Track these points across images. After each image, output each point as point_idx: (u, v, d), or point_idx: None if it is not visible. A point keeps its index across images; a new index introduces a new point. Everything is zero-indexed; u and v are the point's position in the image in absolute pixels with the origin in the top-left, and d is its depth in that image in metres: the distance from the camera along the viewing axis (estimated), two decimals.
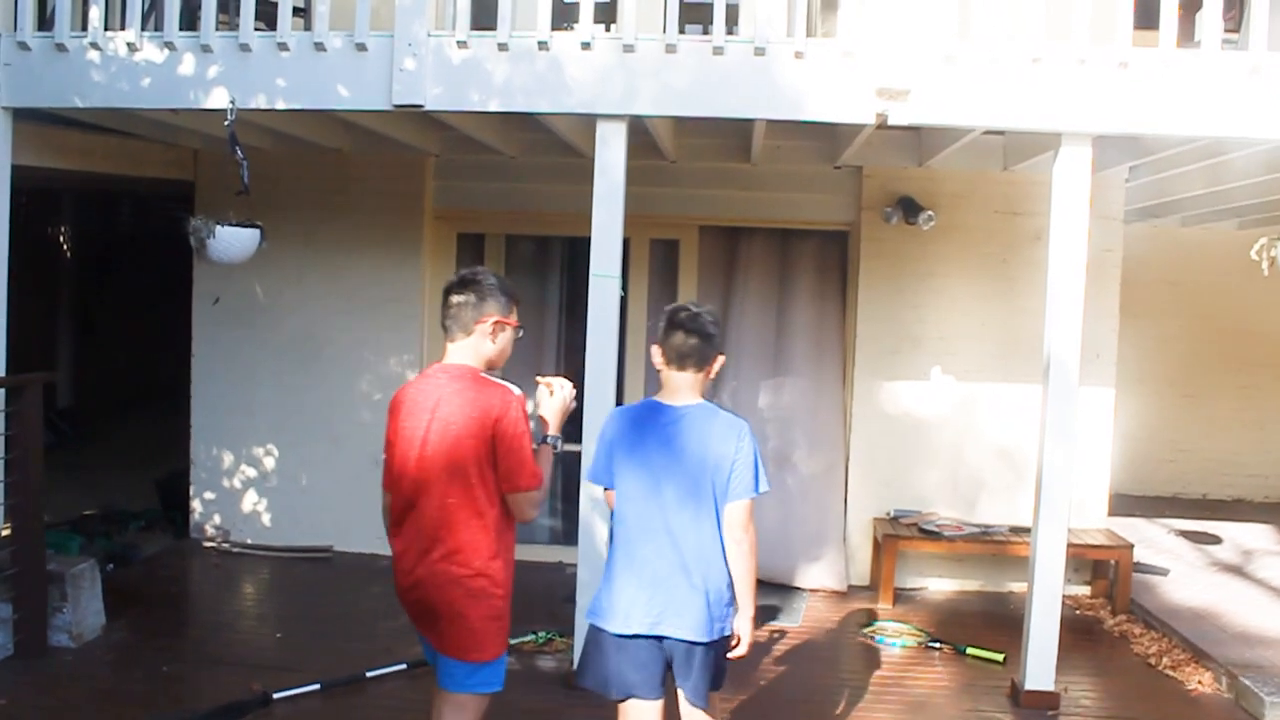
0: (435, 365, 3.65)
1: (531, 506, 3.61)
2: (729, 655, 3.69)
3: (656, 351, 3.73)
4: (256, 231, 5.56)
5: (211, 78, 5.43)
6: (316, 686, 5.24)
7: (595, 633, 3.69)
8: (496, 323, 3.60)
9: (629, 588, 3.61)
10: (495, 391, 3.50)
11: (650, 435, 3.65)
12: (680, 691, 3.65)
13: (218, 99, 5.44)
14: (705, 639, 3.57)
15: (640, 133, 6.19)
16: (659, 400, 3.72)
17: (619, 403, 5.40)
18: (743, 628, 3.67)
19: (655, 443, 3.63)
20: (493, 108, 5.41)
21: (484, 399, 3.48)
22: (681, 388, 3.66)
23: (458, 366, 3.59)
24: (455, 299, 3.59)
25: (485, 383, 3.54)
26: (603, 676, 3.64)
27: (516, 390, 3.55)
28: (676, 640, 3.57)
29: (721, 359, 3.73)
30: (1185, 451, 10.82)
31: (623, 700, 3.64)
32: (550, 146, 6.92)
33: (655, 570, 3.58)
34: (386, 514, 3.68)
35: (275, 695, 5.11)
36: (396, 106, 5.35)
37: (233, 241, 5.45)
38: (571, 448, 4.80)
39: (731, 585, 3.62)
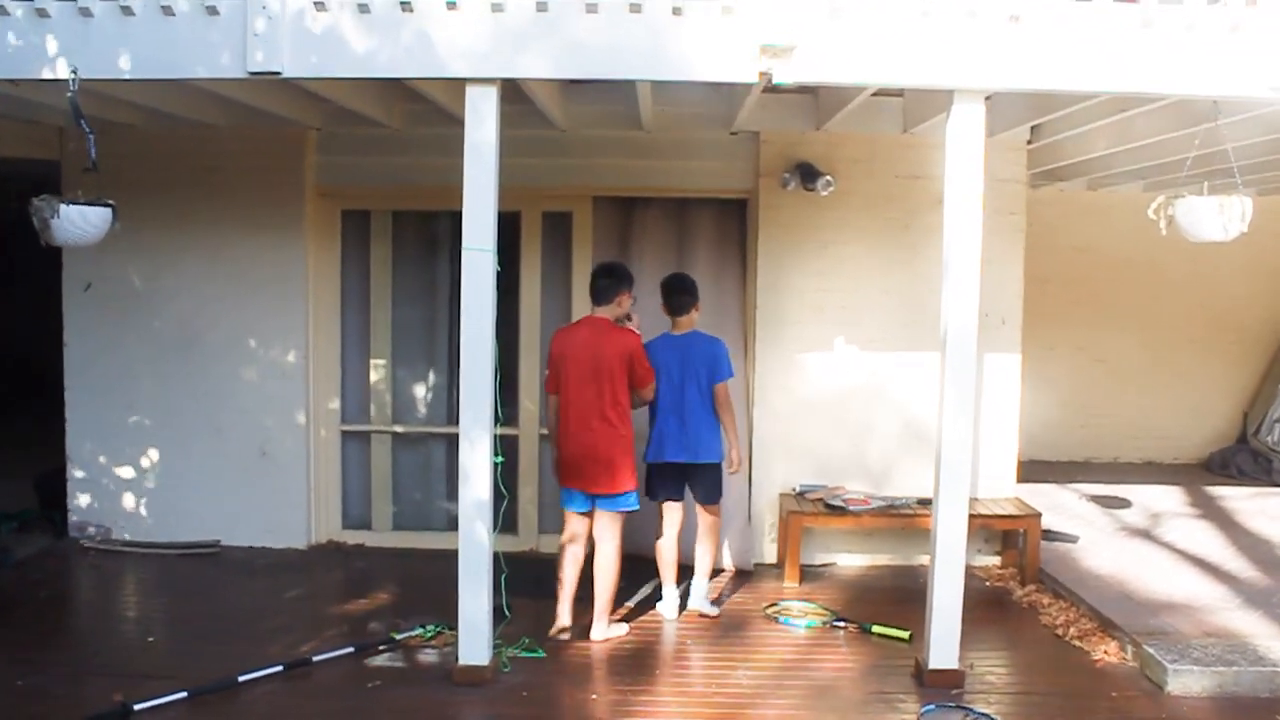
0: (587, 317, 5.96)
1: (649, 394, 6.00)
2: (729, 473, 6.29)
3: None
4: (108, 211, 5.15)
5: (50, 45, 5.01)
6: (183, 695, 4.90)
7: (649, 466, 6.19)
8: (624, 296, 5.92)
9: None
10: (628, 334, 5.89)
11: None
12: (695, 497, 6.26)
13: (58, 69, 5.03)
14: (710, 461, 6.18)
15: (522, 99, 5.91)
16: (667, 333, 6.26)
17: (501, 385, 5.13)
18: (732, 455, 6.21)
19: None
20: (355, 74, 5.08)
21: (623, 338, 5.84)
22: (683, 325, 6.25)
23: (602, 320, 5.88)
24: (603, 281, 5.92)
25: (620, 329, 5.89)
26: (653, 490, 6.21)
27: (638, 332, 5.95)
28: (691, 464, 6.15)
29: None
30: (1097, 416, 10.81)
31: (663, 502, 6.23)
32: (434, 117, 6.60)
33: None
34: (551, 409, 5.95)
35: (136, 706, 4.76)
36: (252, 74, 4.98)
37: (80, 222, 5.03)
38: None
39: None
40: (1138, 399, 10.82)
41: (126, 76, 5.09)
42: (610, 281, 5.94)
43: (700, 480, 6.23)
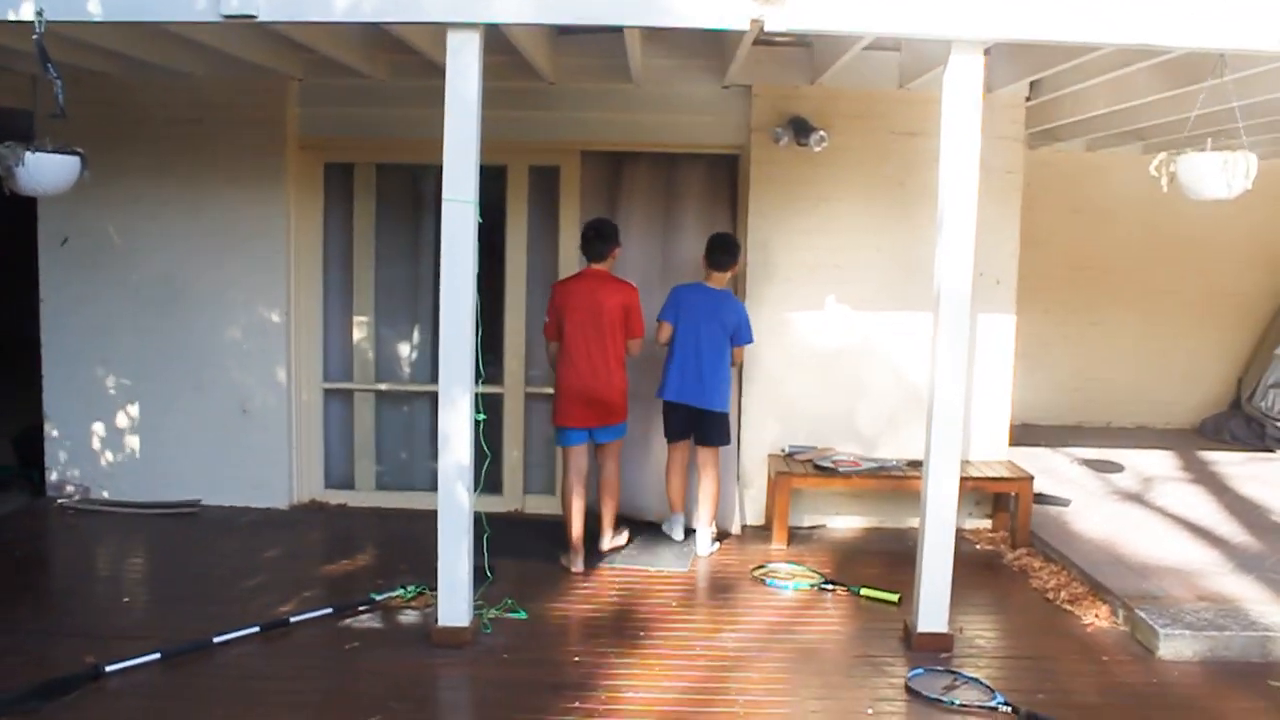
0: (587, 269, 6.39)
1: (638, 347, 6.43)
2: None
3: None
4: (76, 159, 4.97)
5: None
6: (156, 656, 4.79)
7: (665, 404, 6.69)
8: (616, 250, 6.41)
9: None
10: (625, 286, 6.38)
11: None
12: (700, 440, 6.68)
13: (24, 10, 4.84)
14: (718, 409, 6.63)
15: (508, 50, 5.74)
16: (701, 283, 6.68)
17: (484, 343, 5.00)
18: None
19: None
20: (332, 18, 4.86)
21: (622, 290, 6.33)
22: (718, 280, 6.69)
23: (602, 271, 6.36)
24: (596, 238, 6.34)
25: (619, 281, 6.39)
26: (665, 426, 6.75)
27: (634, 285, 6.43)
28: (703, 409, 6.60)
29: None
30: (1090, 380, 10.72)
31: (671, 441, 6.75)
32: (419, 68, 6.43)
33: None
34: (551, 354, 6.44)
35: (107, 668, 4.65)
36: (226, 17, 4.78)
37: (46, 169, 4.86)
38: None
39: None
40: (1131, 364, 10.71)
41: (95, 19, 4.90)
42: (603, 239, 6.34)
43: (709, 426, 6.65)
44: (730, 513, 7.18)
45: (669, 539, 6.86)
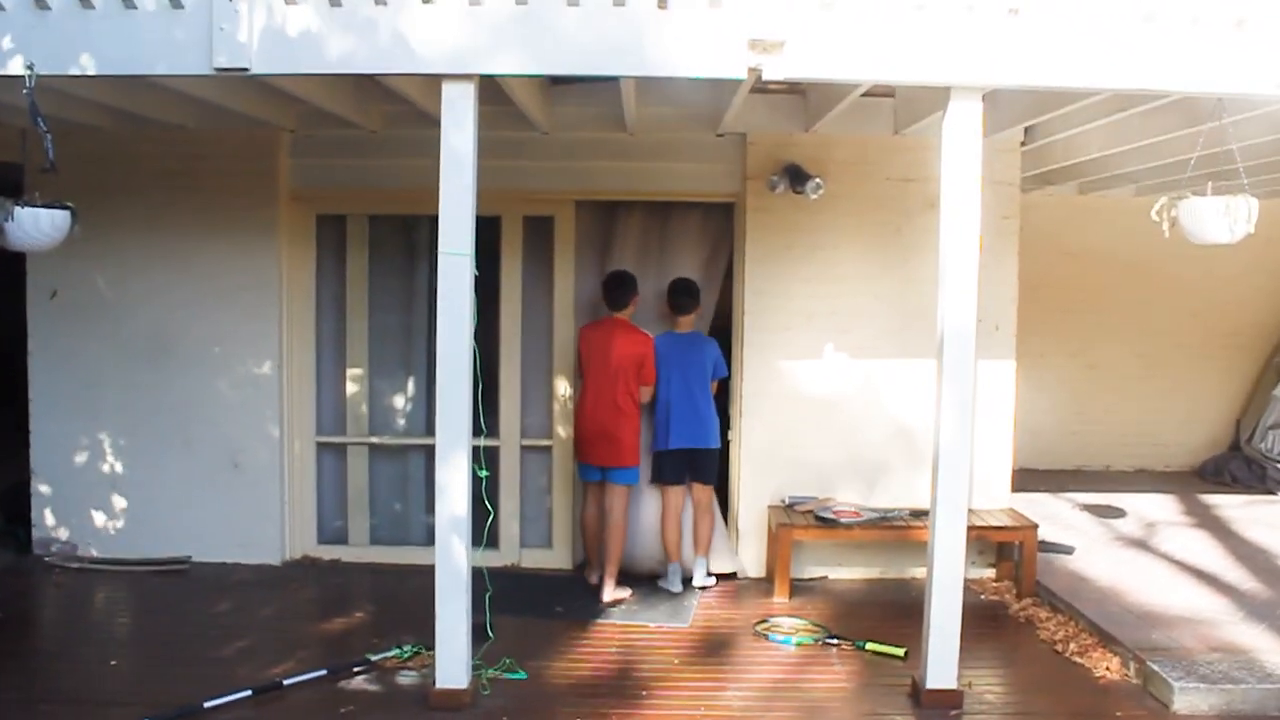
0: (608, 317, 6.77)
1: (647, 395, 6.78)
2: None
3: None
4: (66, 213, 4.92)
5: (4, 40, 4.78)
6: None
7: (656, 454, 6.87)
8: (634, 298, 6.80)
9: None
10: (642, 335, 6.73)
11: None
12: (696, 478, 6.88)
13: (13, 65, 4.80)
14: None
15: (502, 100, 5.70)
16: (671, 331, 6.93)
17: (482, 396, 4.91)
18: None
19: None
20: (326, 71, 4.86)
21: (638, 339, 6.70)
22: (684, 325, 6.91)
23: (622, 320, 6.75)
24: (616, 289, 6.76)
25: (636, 330, 6.75)
26: (662, 474, 6.84)
27: (650, 336, 6.77)
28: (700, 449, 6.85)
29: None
30: (1089, 424, 10.65)
31: (668, 486, 6.85)
32: (412, 119, 6.40)
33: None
34: (581, 394, 6.86)
35: None
36: (219, 70, 4.75)
37: (36, 224, 4.81)
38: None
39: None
40: (1129, 406, 10.66)
41: (87, 73, 4.86)
42: (623, 288, 6.76)
43: (704, 464, 6.89)
44: (722, 551, 7.12)
45: (667, 592, 6.74)
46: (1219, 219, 4.83)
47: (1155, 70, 4.75)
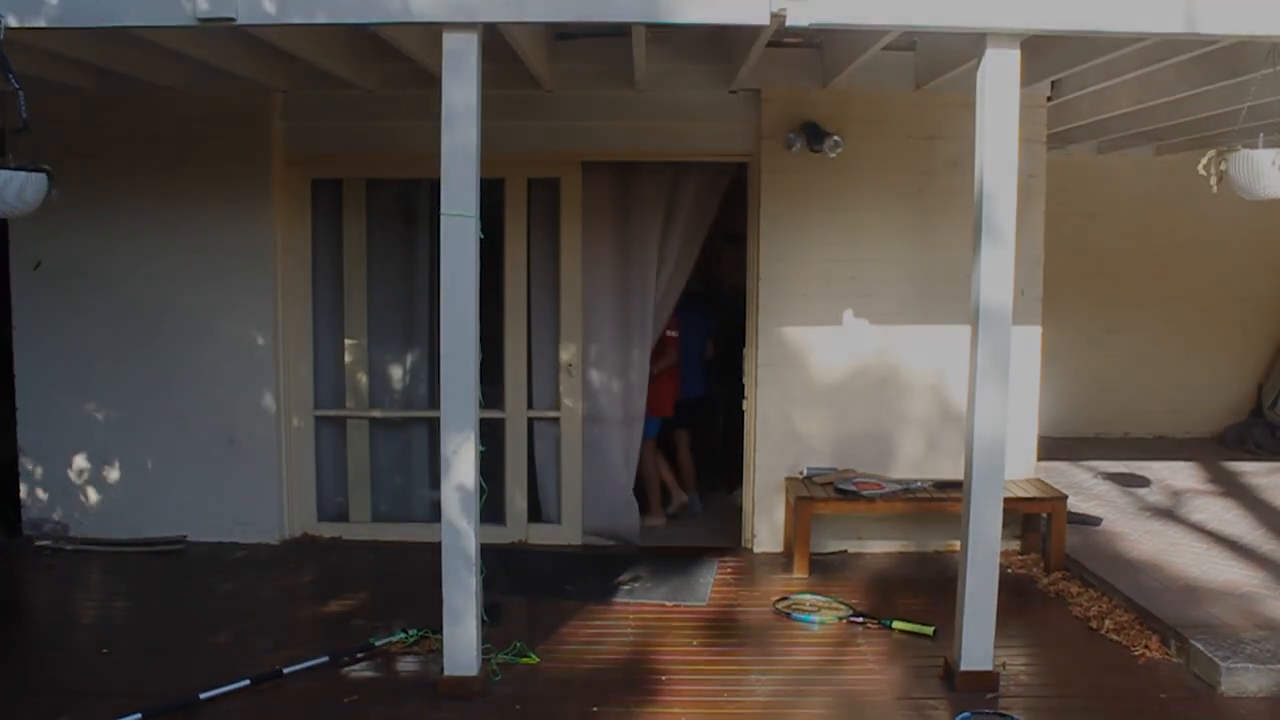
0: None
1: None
2: None
3: None
4: (42, 176, 4.60)
5: None
6: (137, 717, 4.39)
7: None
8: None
9: None
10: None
11: None
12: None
13: None
14: None
15: (505, 57, 5.38)
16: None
17: (484, 363, 4.63)
18: None
19: None
20: (318, 20, 4.52)
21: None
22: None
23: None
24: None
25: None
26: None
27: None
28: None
29: None
30: (1107, 390, 10.35)
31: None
32: (412, 77, 6.08)
33: None
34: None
35: None
36: (201, 20, 4.42)
37: (8, 187, 4.50)
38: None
39: None
40: (1149, 371, 10.36)
41: (62, 25, 4.53)
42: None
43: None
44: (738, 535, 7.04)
45: (682, 570, 6.49)
46: (1274, 171, 4.53)
47: (1207, 12, 4.41)
